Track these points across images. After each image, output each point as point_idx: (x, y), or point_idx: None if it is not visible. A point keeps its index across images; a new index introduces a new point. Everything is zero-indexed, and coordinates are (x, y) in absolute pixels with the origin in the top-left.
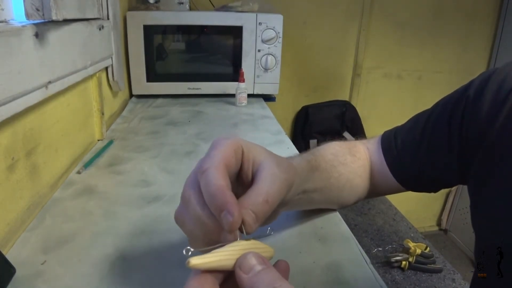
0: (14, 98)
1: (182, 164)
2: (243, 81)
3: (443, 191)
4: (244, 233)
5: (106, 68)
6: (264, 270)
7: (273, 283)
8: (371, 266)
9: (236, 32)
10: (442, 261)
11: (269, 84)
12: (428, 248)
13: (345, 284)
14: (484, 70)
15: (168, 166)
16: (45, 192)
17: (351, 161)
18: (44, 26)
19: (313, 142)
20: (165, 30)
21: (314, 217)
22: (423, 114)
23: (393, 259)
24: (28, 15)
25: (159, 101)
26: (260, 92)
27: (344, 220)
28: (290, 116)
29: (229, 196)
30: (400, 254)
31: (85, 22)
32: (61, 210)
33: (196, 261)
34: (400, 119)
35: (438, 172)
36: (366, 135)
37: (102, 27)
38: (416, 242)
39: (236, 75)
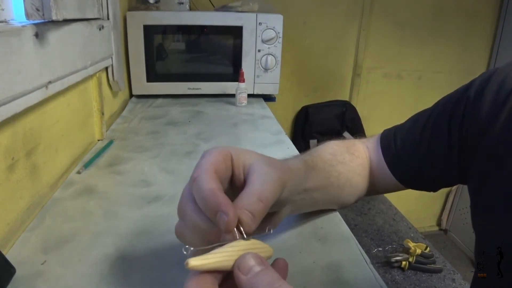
0: (14, 98)
1: (182, 164)
2: (243, 81)
3: (443, 191)
4: (244, 234)
5: (106, 68)
6: (263, 271)
7: (272, 283)
8: (371, 266)
9: (236, 32)
10: (442, 261)
11: (269, 84)
12: (428, 248)
13: (345, 284)
14: (484, 70)
15: (168, 166)
16: (45, 192)
17: (350, 160)
18: (44, 26)
19: (313, 142)
20: (165, 30)
21: (314, 217)
22: (423, 114)
23: (393, 259)
24: (28, 15)
25: (159, 101)
26: (260, 92)
27: (344, 220)
28: (290, 116)
29: (221, 197)
30: (400, 254)
31: (85, 22)
32: (61, 210)
33: (195, 262)
34: (400, 119)
35: (437, 172)
36: (366, 135)
37: (102, 27)
38: (416, 242)
39: (236, 75)
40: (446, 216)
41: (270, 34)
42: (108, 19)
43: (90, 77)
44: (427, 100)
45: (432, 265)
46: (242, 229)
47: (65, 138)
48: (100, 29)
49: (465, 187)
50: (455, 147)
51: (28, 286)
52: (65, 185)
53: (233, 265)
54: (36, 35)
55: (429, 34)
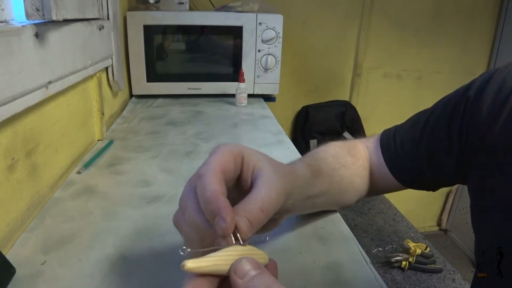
0: (14, 98)
1: (182, 164)
2: (243, 81)
3: (443, 191)
4: (240, 240)
5: (106, 68)
6: (259, 275)
7: (268, 286)
8: (371, 266)
9: (236, 32)
10: (442, 261)
11: (269, 84)
12: (428, 248)
13: (345, 284)
14: (484, 70)
15: (168, 166)
16: (45, 192)
17: (352, 162)
18: (44, 26)
19: (313, 142)
20: (165, 30)
21: (314, 217)
22: (423, 114)
23: (393, 259)
24: (28, 15)
25: (159, 101)
26: (260, 92)
27: (344, 220)
28: (290, 116)
29: (223, 201)
30: (400, 254)
31: (85, 22)
32: (61, 210)
33: (192, 264)
34: (400, 119)
35: (437, 172)
36: (366, 135)
37: (102, 27)
38: (416, 242)
39: (236, 75)
40: (446, 216)
41: (270, 34)
42: (108, 19)
43: (90, 77)
44: (427, 100)
45: (432, 265)
46: (238, 235)
47: (65, 138)
48: (100, 29)
49: (465, 187)
50: (455, 147)
51: (28, 286)
52: (65, 185)
53: (229, 269)
54: (36, 35)
55: (429, 34)
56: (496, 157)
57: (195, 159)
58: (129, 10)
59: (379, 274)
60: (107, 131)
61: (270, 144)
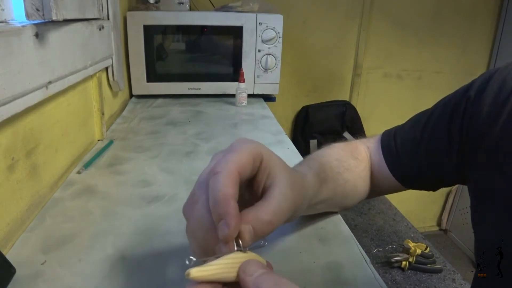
0: (14, 98)
1: (182, 164)
2: (243, 81)
3: (443, 191)
4: (241, 245)
5: (106, 68)
6: (268, 272)
7: (277, 281)
8: (371, 266)
9: (236, 32)
10: (442, 261)
11: (269, 84)
12: (428, 248)
13: (345, 284)
14: (484, 71)
15: (168, 166)
16: (45, 192)
17: (355, 166)
18: (44, 26)
19: (313, 142)
20: (165, 30)
21: (314, 218)
22: (424, 114)
23: (393, 259)
24: (28, 15)
25: (159, 101)
26: (260, 92)
27: (344, 220)
28: (290, 116)
29: (231, 207)
30: (400, 254)
31: (85, 22)
32: (61, 210)
33: (196, 273)
34: (400, 119)
35: (437, 172)
36: (366, 135)
37: (102, 27)
38: (416, 242)
39: (236, 75)
40: (446, 216)
41: (270, 34)
42: (108, 19)
43: (90, 77)
44: (427, 100)
45: (432, 265)
46: (240, 241)
47: (65, 138)
48: (100, 29)
49: (465, 187)
50: (455, 147)
51: (28, 286)
52: (65, 185)
53: (238, 271)
54: (36, 35)
55: (429, 34)
56: (496, 157)
57: (195, 159)
58: (129, 10)
59: (379, 274)
60: (107, 131)
61: (270, 144)
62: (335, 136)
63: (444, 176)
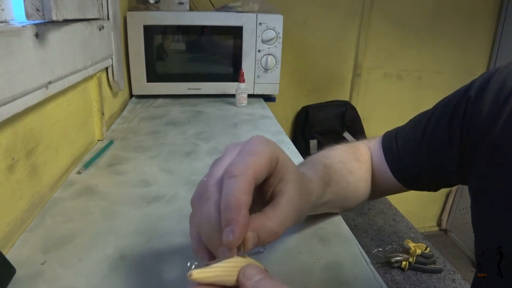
0: (14, 98)
1: (182, 164)
2: (243, 81)
3: (443, 191)
4: (242, 250)
5: (106, 68)
6: (267, 277)
7: (276, 286)
8: (371, 266)
9: (236, 32)
10: (442, 261)
11: (269, 84)
12: (428, 248)
13: (345, 284)
14: (484, 70)
15: (168, 166)
16: (45, 192)
17: (358, 168)
18: (44, 26)
19: (313, 142)
20: (165, 30)
21: (314, 218)
22: (424, 115)
23: (393, 259)
24: (28, 15)
25: (159, 101)
26: (260, 92)
27: (344, 220)
28: (290, 116)
29: (242, 215)
30: (400, 254)
31: (85, 22)
32: (61, 210)
33: (198, 275)
34: (400, 119)
35: (438, 172)
36: (366, 135)
37: (102, 27)
38: (416, 242)
39: (236, 76)
40: (446, 216)
41: (270, 34)
42: (108, 19)
43: (90, 77)
44: (427, 100)
45: (432, 265)
46: (241, 247)
47: (65, 138)
48: (100, 29)
49: (465, 187)
50: (456, 147)
51: (28, 286)
52: (65, 185)
53: (238, 274)
54: (36, 35)
55: (429, 34)
56: (496, 157)
57: (195, 159)
58: (129, 10)
59: (379, 274)
60: (107, 131)
61: None
62: (335, 136)
63: (445, 176)
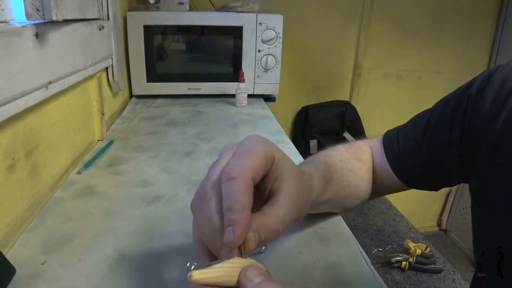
0: (14, 98)
1: (182, 164)
2: (243, 81)
3: (443, 191)
4: (242, 251)
5: (106, 68)
6: (268, 280)
7: None
8: (371, 266)
9: (236, 32)
10: (442, 261)
11: (269, 84)
12: (428, 249)
13: (345, 284)
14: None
15: (168, 166)
16: (45, 192)
17: (359, 168)
18: (44, 26)
19: (313, 142)
20: (165, 30)
21: (314, 218)
22: (425, 113)
23: (393, 259)
24: (28, 15)
25: (159, 101)
26: (260, 93)
27: (344, 220)
28: (290, 116)
29: (245, 216)
30: (400, 254)
31: (85, 23)
32: (61, 210)
33: (198, 276)
34: (400, 119)
35: (439, 171)
36: (366, 135)
37: (102, 27)
38: (416, 242)
39: (236, 76)
40: (446, 216)
41: (270, 34)
42: (108, 19)
43: (90, 77)
44: (427, 100)
45: (432, 265)
46: (242, 247)
47: (65, 138)
48: (100, 29)
49: (466, 187)
50: (456, 147)
51: (28, 286)
52: (65, 185)
53: (239, 274)
54: (36, 35)
55: (429, 34)
56: (496, 156)
57: (195, 159)
58: (129, 10)
59: (379, 274)
60: (107, 131)
61: None
62: (335, 136)
63: (446, 175)
